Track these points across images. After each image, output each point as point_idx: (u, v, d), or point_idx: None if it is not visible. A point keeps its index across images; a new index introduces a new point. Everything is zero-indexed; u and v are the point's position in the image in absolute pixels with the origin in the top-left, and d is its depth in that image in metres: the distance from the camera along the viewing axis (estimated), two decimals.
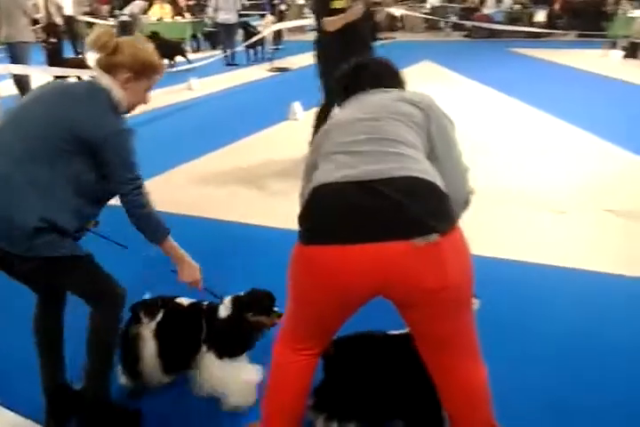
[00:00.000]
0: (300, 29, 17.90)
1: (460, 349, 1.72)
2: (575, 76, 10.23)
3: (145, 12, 14.33)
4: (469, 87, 9.19)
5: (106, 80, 1.95)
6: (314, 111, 5.35)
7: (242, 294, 2.30)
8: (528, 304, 2.98)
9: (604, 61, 11.62)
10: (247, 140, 6.43)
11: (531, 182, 4.80)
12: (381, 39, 14.19)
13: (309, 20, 12.34)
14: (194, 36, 15.36)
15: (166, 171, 5.34)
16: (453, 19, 18.18)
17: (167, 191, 4.52)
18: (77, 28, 12.76)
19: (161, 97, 8.16)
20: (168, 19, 14.68)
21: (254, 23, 13.80)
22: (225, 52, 12.51)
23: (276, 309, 2.26)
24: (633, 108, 7.53)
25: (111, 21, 17.19)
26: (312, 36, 5.46)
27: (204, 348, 2.24)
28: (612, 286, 3.18)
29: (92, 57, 2.02)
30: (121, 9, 15.35)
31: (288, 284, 1.77)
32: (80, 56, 11.25)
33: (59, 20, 10.24)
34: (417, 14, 18.49)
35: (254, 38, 12.38)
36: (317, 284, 1.64)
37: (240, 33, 13.11)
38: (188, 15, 15.97)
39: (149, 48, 2.04)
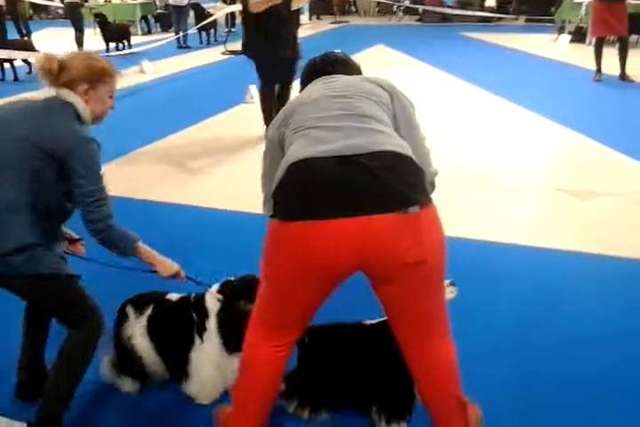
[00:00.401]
0: None
1: (433, 325, 1.75)
2: (525, 59, 10.47)
3: None
4: (422, 70, 9.30)
5: (66, 94, 1.94)
6: None
7: (232, 279, 2.22)
8: (483, 282, 3.07)
9: (552, 46, 11.92)
10: (205, 123, 6.37)
11: (482, 163, 4.92)
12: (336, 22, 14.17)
13: None
14: (144, 18, 14.99)
15: (126, 154, 5.27)
16: (406, 3, 18.27)
17: (122, 176, 4.46)
18: (20, 9, 12.27)
19: None
20: (116, 1, 14.28)
21: (205, 6, 13.56)
22: (177, 34, 12.28)
23: None
24: (580, 90, 7.79)
25: (56, 2, 16.64)
26: None
27: (197, 340, 2.17)
28: (564, 261, 3.31)
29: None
30: None
31: (263, 263, 1.73)
32: (25, 38, 10.85)
33: (1, 1, 9.84)
34: None
35: (207, 21, 12.17)
36: (299, 260, 1.61)
37: (192, 15, 12.88)
38: None
39: (91, 55, 2.06)
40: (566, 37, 12.10)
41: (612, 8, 7.60)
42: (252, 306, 1.87)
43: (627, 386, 2.31)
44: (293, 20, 5.31)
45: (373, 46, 11.60)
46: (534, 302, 2.91)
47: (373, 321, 2.08)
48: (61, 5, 13.07)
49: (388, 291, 1.67)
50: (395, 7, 18.39)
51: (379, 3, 18.63)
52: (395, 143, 1.68)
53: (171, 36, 12.35)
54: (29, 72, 9.24)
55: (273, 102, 5.34)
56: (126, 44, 11.73)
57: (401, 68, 9.10)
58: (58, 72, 1.94)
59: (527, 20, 15.71)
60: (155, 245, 2.10)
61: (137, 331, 2.21)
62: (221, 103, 7.12)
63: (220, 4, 13.88)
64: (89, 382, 2.15)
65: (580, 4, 11.02)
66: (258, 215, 2.00)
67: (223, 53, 11.55)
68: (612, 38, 8.20)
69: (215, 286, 2.21)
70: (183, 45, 12.37)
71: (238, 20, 14.99)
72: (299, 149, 1.68)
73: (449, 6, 16.83)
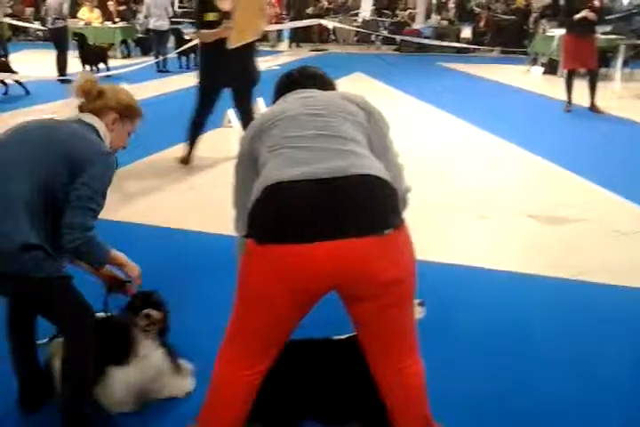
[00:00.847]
0: None
1: (403, 345, 1.76)
2: (499, 89, 10.71)
3: (73, 15, 13.91)
4: (399, 99, 9.43)
5: (92, 120, 1.99)
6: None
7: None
8: (452, 305, 3.09)
9: (525, 77, 12.23)
10: (180, 148, 6.36)
11: (456, 190, 4.99)
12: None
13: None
14: (124, 42, 15.05)
15: None
16: (384, 32, 18.65)
17: None
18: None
19: None
20: (97, 24, 14.33)
21: (186, 31, 13.66)
22: (157, 58, 12.33)
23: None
24: (552, 120, 7.98)
25: (36, 24, 16.64)
26: None
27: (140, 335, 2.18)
28: (532, 286, 3.34)
29: (73, 102, 2.10)
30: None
31: (239, 286, 1.70)
32: (3, 59, 10.79)
33: None
34: (349, 27, 18.84)
35: (187, 45, 12.26)
36: (276, 283, 1.59)
37: (172, 40, 12.96)
38: (118, 20, 15.62)
39: (130, 93, 2.16)
40: (539, 69, 12.44)
41: (582, 41, 7.85)
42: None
43: (593, 411, 2.31)
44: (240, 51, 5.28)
45: (352, 74, 11.75)
46: (503, 325, 2.92)
47: (341, 337, 2.06)
48: (42, 28, 13.03)
49: (363, 309, 1.67)
50: (373, 36, 18.75)
51: (357, 32, 18.97)
52: (371, 166, 1.69)
53: (150, 60, 12.40)
54: (5, 93, 9.18)
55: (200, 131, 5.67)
56: (104, 66, 11.73)
57: (378, 96, 9.17)
58: (96, 96, 2.02)
59: (502, 52, 16.12)
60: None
61: None
62: None
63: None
64: None
65: (552, 37, 11.34)
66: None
67: None
68: (582, 71, 8.44)
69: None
70: (163, 69, 12.41)
71: None
72: (274, 171, 1.66)
73: (426, 37, 17.21)
